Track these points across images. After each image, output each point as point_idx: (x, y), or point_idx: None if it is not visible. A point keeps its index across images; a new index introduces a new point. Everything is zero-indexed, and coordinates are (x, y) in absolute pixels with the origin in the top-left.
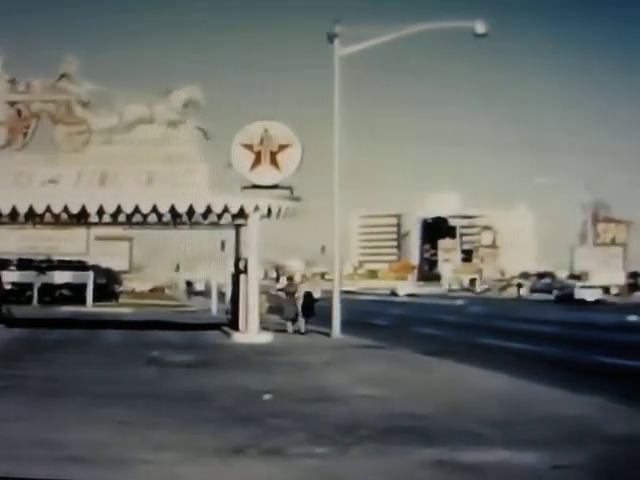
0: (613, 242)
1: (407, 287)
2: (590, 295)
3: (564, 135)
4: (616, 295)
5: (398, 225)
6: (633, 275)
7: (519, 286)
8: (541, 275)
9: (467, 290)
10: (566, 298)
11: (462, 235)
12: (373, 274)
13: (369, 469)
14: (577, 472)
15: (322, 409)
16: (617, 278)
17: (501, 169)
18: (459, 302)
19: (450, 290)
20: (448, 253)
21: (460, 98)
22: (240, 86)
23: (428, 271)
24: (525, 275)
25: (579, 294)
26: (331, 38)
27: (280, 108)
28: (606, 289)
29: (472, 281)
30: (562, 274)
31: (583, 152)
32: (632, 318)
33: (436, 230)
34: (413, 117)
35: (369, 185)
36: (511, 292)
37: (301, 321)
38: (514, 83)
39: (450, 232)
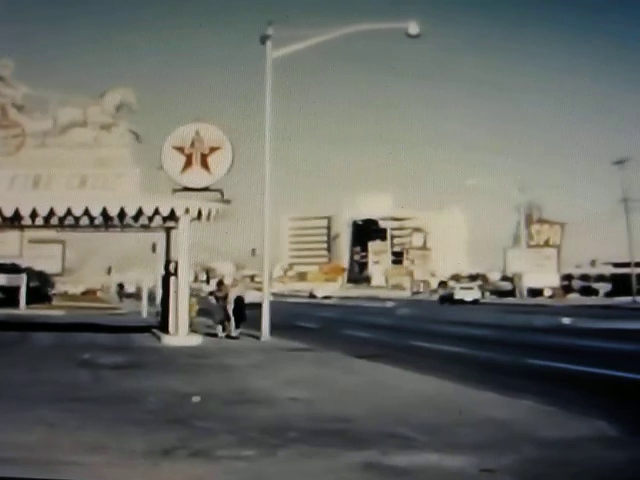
0: (547, 244)
1: (326, 289)
2: (469, 296)
3: (497, 137)
4: (550, 297)
5: (328, 227)
6: (567, 277)
7: (445, 288)
8: (473, 277)
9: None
10: (448, 299)
11: (393, 237)
12: (303, 276)
13: (296, 471)
14: (505, 476)
15: (250, 411)
16: (551, 280)
17: (433, 171)
18: (389, 304)
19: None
20: (378, 255)
21: (392, 99)
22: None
23: (358, 273)
24: (457, 277)
25: (459, 295)
26: (264, 40)
27: (212, 111)
28: (539, 291)
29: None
30: (495, 276)
31: (516, 154)
32: (566, 321)
33: (366, 232)
34: (345, 119)
35: (300, 187)
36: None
37: (232, 325)
38: (447, 83)
39: (380, 234)
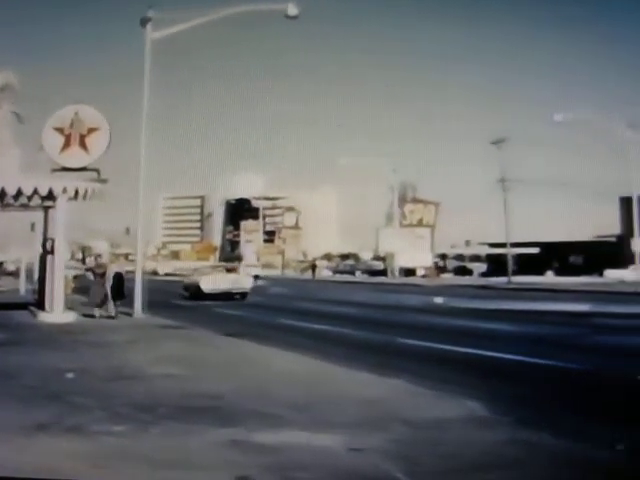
0: (420, 223)
1: (168, 266)
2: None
3: (372, 116)
4: (423, 277)
5: (202, 206)
6: (441, 257)
7: (314, 267)
8: (345, 256)
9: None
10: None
11: (265, 216)
12: (176, 255)
13: (166, 448)
14: (373, 455)
15: (122, 388)
16: (424, 259)
17: (306, 151)
18: (260, 283)
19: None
20: (250, 234)
21: (268, 80)
22: (55, 70)
23: (230, 252)
24: (328, 256)
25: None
26: (144, 22)
27: (94, 92)
28: (412, 271)
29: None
30: (367, 255)
31: (391, 133)
32: (438, 300)
33: (239, 211)
34: (220, 100)
35: (176, 167)
36: (318, 273)
37: (110, 303)
38: (324, 62)
39: (253, 213)
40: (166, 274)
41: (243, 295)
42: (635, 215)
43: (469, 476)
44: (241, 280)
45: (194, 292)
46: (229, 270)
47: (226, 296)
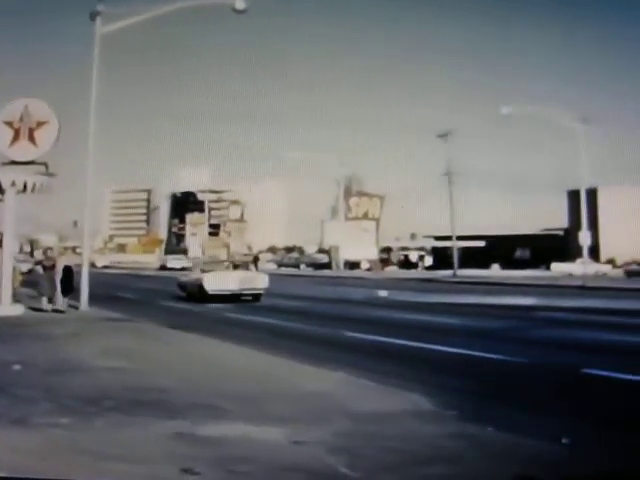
0: (366, 216)
1: (104, 259)
2: (177, 264)
3: (319, 109)
4: (367, 270)
5: (148, 200)
6: (386, 250)
7: (256, 260)
8: (289, 249)
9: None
10: (163, 267)
11: (211, 209)
12: (122, 248)
13: (111, 440)
14: (316, 447)
15: (68, 380)
16: (369, 252)
17: (253, 144)
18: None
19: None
20: (196, 227)
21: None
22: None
23: (176, 245)
24: (273, 249)
25: (171, 264)
26: (93, 16)
27: (44, 85)
28: (357, 264)
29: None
30: (312, 249)
31: (338, 127)
32: (383, 294)
33: (185, 204)
34: (168, 94)
35: (123, 160)
36: (261, 266)
37: (59, 296)
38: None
39: (199, 206)
40: (104, 267)
41: (256, 297)
42: (583, 208)
43: (413, 469)
44: (254, 278)
45: (196, 293)
46: (237, 266)
47: (234, 297)
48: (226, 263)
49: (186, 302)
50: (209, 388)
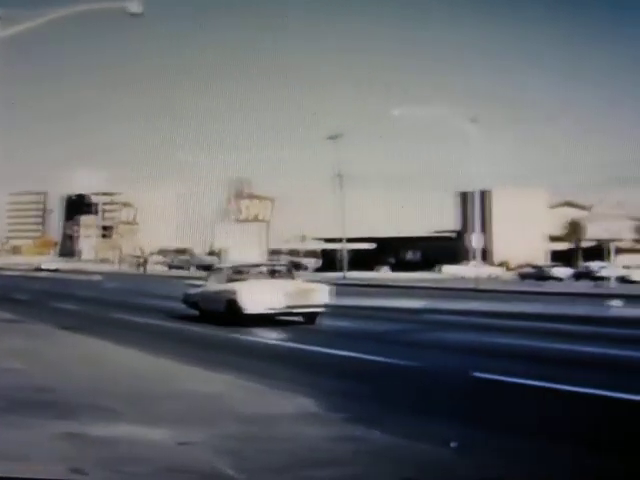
0: (256, 218)
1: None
2: (51, 266)
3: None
4: None
5: (44, 203)
6: (275, 252)
7: (144, 262)
8: (180, 251)
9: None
10: (38, 269)
11: (104, 212)
12: (17, 250)
13: (3, 440)
14: (201, 448)
15: None
16: (257, 254)
17: (146, 146)
18: (96, 277)
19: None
20: (89, 229)
21: (110, 78)
22: None
23: (69, 247)
24: (163, 252)
25: (45, 265)
26: None
27: None
28: None
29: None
30: (202, 251)
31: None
32: None
33: (78, 207)
34: (64, 97)
35: (19, 164)
36: (151, 268)
37: None
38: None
39: (92, 209)
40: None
41: (311, 318)
42: (476, 210)
43: (299, 472)
44: (310, 291)
45: (221, 312)
46: (274, 272)
47: (273, 318)
48: (262, 267)
49: (75, 303)
50: (97, 388)
